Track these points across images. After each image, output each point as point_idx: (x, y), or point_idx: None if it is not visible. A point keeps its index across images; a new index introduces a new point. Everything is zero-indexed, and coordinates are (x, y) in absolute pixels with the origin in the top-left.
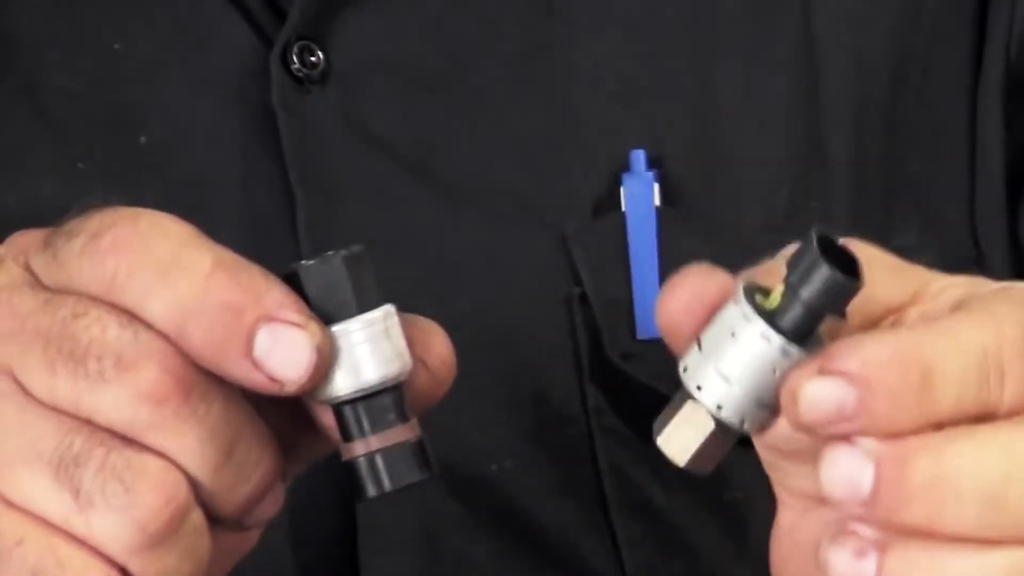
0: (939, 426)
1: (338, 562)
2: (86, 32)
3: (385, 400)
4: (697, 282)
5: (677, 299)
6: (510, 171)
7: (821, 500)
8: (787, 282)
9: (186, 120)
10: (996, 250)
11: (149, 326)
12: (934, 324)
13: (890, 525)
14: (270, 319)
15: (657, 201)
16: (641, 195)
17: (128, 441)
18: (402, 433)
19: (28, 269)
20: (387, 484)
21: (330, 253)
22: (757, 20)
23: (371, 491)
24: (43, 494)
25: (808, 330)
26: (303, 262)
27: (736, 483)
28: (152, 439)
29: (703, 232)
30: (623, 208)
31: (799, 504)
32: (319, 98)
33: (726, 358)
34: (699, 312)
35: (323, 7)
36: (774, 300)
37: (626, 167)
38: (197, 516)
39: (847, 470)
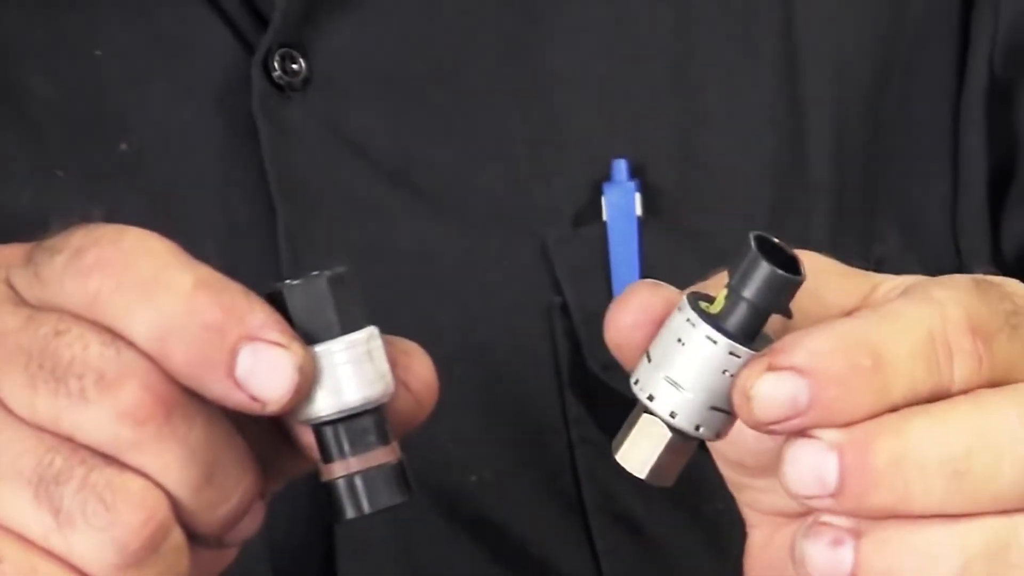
0: (894, 410)
1: (317, 572)
2: (66, 38)
3: (366, 422)
4: (643, 296)
5: (624, 314)
6: (491, 180)
7: (791, 516)
8: (729, 285)
9: (167, 127)
10: (977, 259)
11: (132, 344)
12: (878, 310)
13: (861, 512)
14: (252, 339)
15: (639, 211)
16: (622, 204)
17: (109, 460)
18: (382, 455)
19: (9, 284)
20: (366, 506)
21: (315, 273)
22: (738, 29)
23: (349, 513)
24: (23, 512)
25: (754, 330)
26: (287, 282)
27: (716, 494)
28: (133, 458)
29: (684, 242)
30: (604, 217)
31: (769, 522)
32: (300, 105)
33: (675, 365)
34: (647, 326)
35: (305, 14)
36: (718, 304)
37: (607, 176)
38: (177, 535)
39: (810, 465)
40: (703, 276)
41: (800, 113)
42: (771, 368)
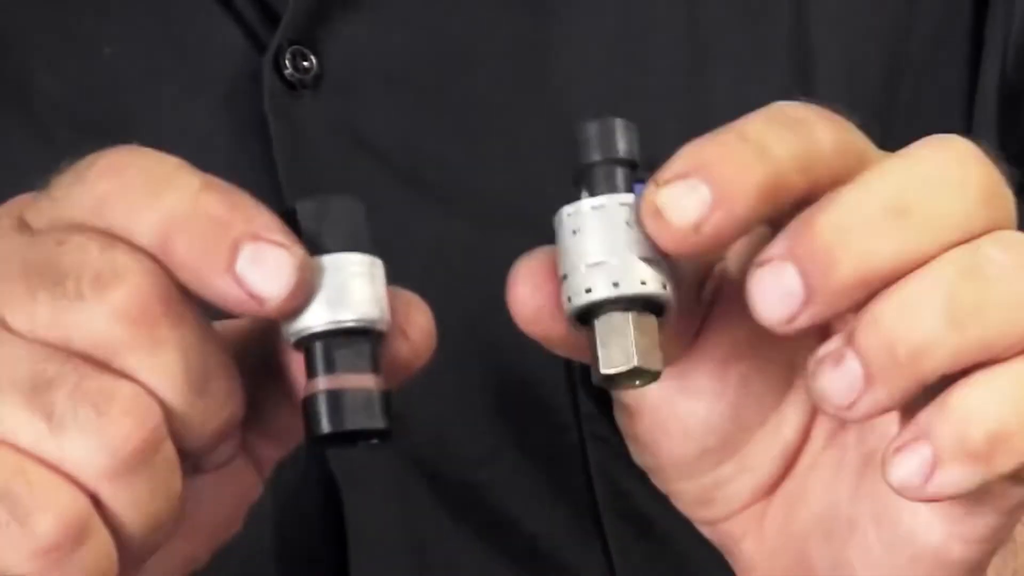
0: (785, 183)
1: (327, 568)
2: (75, 37)
3: (359, 344)
4: (524, 264)
5: (520, 288)
6: (502, 177)
7: (769, 490)
8: (580, 175)
9: (177, 125)
10: None
11: (132, 246)
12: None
13: (839, 297)
14: (255, 237)
15: None
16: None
17: (103, 367)
18: (370, 382)
19: (21, 220)
20: (345, 422)
21: (329, 194)
22: (750, 29)
23: (326, 427)
24: (15, 419)
25: (622, 182)
26: (302, 199)
27: None
28: (126, 360)
29: None
30: None
31: (752, 518)
32: (311, 103)
33: (586, 251)
34: (545, 283)
35: (316, 12)
36: (584, 193)
37: None
38: (169, 448)
39: (771, 284)
40: None
41: None
42: (658, 183)
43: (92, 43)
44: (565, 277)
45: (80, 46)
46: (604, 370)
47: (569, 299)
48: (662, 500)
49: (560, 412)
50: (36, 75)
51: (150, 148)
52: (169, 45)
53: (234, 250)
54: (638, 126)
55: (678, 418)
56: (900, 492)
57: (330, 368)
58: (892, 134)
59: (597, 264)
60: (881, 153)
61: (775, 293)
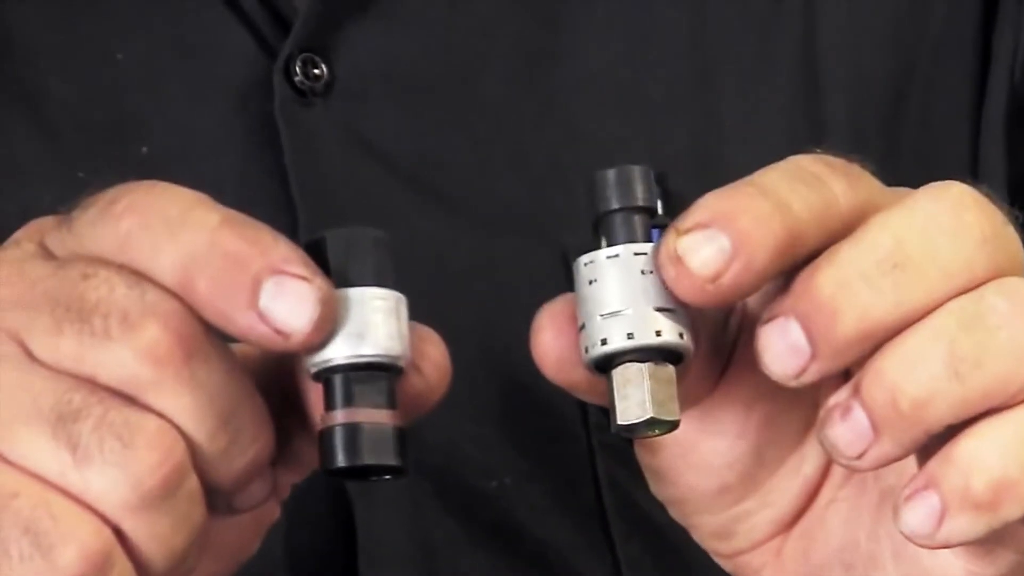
0: (801, 237)
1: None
2: (86, 42)
3: (378, 380)
4: (548, 309)
5: (542, 334)
6: (511, 184)
7: (789, 523)
8: (597, 223)
9: (188, 130)
10: None
11: (157, 286)
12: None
13: (841, 352)
14: (276, 271)
15: None
16: None
17: (128, 400)
18: (387, 417)
19: (42, 246)
20: (360, 457)
21: (361, 227)
22: (759, 38)
23: (341, 460)
24: (40, 450)
25: (638, 229)
26: (332, 229)
27: None
28: (152, 398)
29: None
30: None
31: (771, 551)
32: (322, 111)
33: (602, 302)
34: (565, 328)
35: (327, 19)
36: (604, 246)
37: None
38: (193, 482)
39: (778, 338)
40: None
41: (819, 124)
42: (679, 231)
43: (103, 48)
44: (583, 327)
45: (90, 50)
46: (620, 421)
47: (586, 349)
48: None
49: (569, 421)
50: (46, 78)
51: (172, 184)
52: (180, 50)
53: (256, 286)
54: (645, 132)
55: (700, 455)
56: (911, 539)
57: (348, 402)
58: (899, 150)
59: (612, 314)
60: (891, 199)
61: (782, 349)
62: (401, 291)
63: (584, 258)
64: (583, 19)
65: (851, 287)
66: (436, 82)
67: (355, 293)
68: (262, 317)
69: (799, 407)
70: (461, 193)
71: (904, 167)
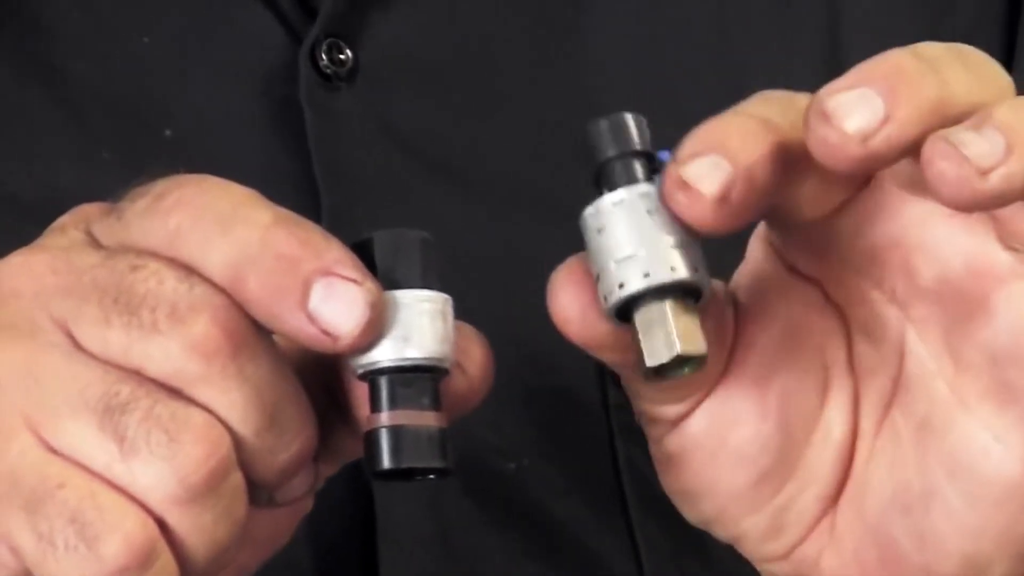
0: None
1: (356, 557)
2: (112, 24)
3: (423, 381)
4: (564, 270)
5: (561, 295)
6: (533, 167)
7: (833, 509)
8: (598, 175)
9: (212, 113)
10: None
11: (206, 281)
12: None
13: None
14: (327, 272)
15: None
16: None
17: (175, 393)
18: (431, 419)
19: (89, 234)
20: (405, 459)
21: (406, 229)
22: (783, 25)
23: (387, 463)
24: (87, 441)
25: (641, 173)
26: (380, 231)
27: None
28: (199, 392)
29: None
30: None
31: (825, 536)
32: (347, 95)
33: (614, 248)
34: (583, 287)
35: (353, 4)
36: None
37: None
38: (237, 477)
39: (856, 103)
40: (743, 258)
41: None
42: (678, 162)
43: (128, 30)
44: (598, 278)
45: (116, 33)
46: (650, 362)
47: (605, 298)
48: None
49: (589, 402)
50: (71, 61)
51: (223, 179)
52: (205, 34)
53: (306, 287)
54: (668, 115)
55: (728, 449)
56: (953, 201)
57: (393, 404)
58: None
59: (626, 258)
60: None
61: (858, 107)
62: None
63: (589, 209)
64: (606, 4)
65: (930, 62)
66: (460, 67)
67: (402, 295)
68: (311, 318)
69: (811, 374)
70: (482, 178)
71: None
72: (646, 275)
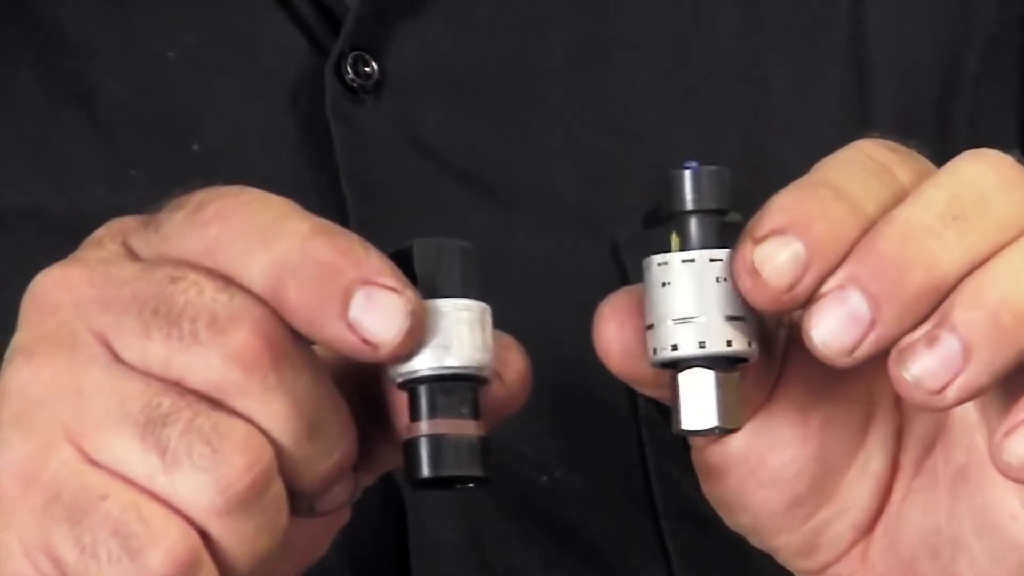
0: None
1: (389, 568)
2: (138, 39)
3: (463, 390)
4: (613, 300)
5: (606, 324)
6: (562, 179)
7: (868, 528)
8: (669, 219)
9: (239, 127)
10: None
11: (246, 291)
12: (818, 165)
13: (907, 306)
14: (367, 282)
15: None
16: None
17: (216, 405)
18: (470, 428)
19: (126, 246)
20: (445, 468)
21: (446, 238)
22: (807, 31)
23: (427, 471)
24: (129, 453)
25: (715, 233)
26: (419, 239)
27: None
28: (240, 403)
29: None
30: None
31: (856, 561)
32: (373, 108)
33: (674, 306)
34: (630, 319)
35: (378, 18)
36: (675, 243)
37: None
38: (278, 487)
39: (835, 310)
40: None
41: (868, 117)
42: (754, 240)
43: (155, 45)
44: (651, 326)
45: (143, 48)
46: (684, 426)
47: (655, 351)
48: None
49: (619, 414)
50: (99, 76)
51: (261, 190)
52: (231, 48)
53: (346, 296)
54: (695, 126)
55: (766, 470)
56: (1013, 474)
57: (433, 413)
58: (948, 146)
59: (685, 320)
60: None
61: (840, 318)
62: None
63: (657, 258)
64: (632, 12)
65: (917, 240)
66: (487, 79)
67: (442, 304)
68: (351, 327)
69: (856, 404)
70: (512, 189)
71: None
72: (701, 344)
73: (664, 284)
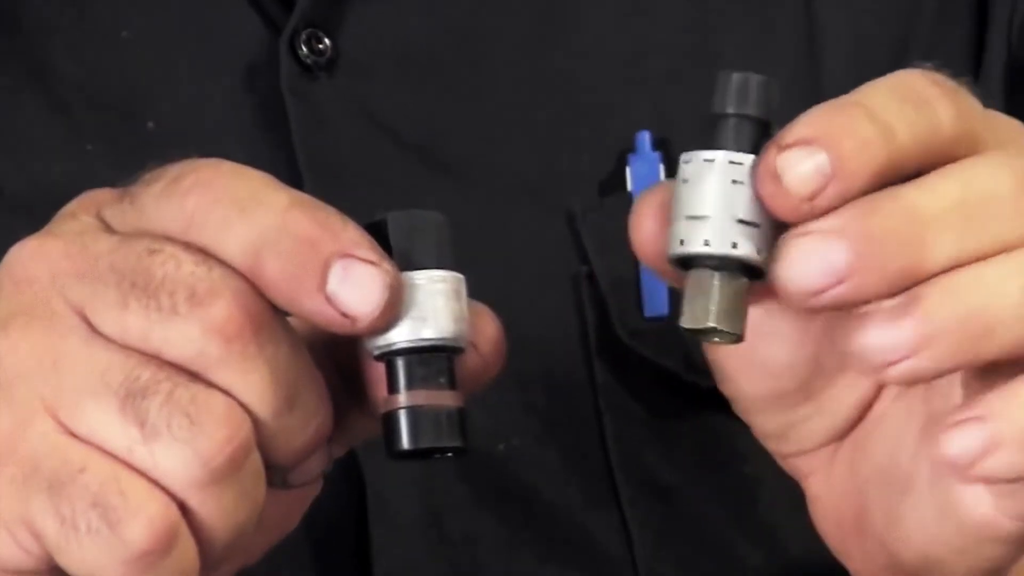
0: (902, 164)
1: (350, 540)
2: (93, 20)
3: (439, 361)
4: (660, 196)
5: (646, 221)
6: (517, 153)
7: (841, 435)
8: (712, 115)
9: (194, 106)
10: None
11: (224, 264)
12: (858, 88)
13: (885, 277)
14: (345, 255)
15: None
16: (647, 175)
17: (194, 377)
18: (448, 398)
19: (101, 219)
20: (425, 440)
21: (419, 210)
22: (759, 7)
23: (407, 444)
24: (108, 425)
25: (751, 141)
26: (393, 212)
27: (744, 460)
28: (219, 375)
29: None
30: (629, 188)
31: (822, 459)
32: (327, 85)
33: (690, 202)
34: (664, 219)
35: None
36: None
37: (631, 148)
38: (256, 459)
39: (816, 255)
40: None
41: (819, 89)
42: (780, 147)
43: (109, 26)
44: (670, 222)
45: (98, 29)
46: (683, 323)
47: (669, 245)
48: (679, 469)
49: (576, 383)
50: (55, 57)
51: (237, 164)
52: (186, 28)
53: (324, 269)
54: (648, 100)
55: (759, 358)
56: (945, 466)
57: (411, 384)
58: None
59: (695, 218)
60: (990, 135)
61: (812, 262)
62: None
63: (685, 155)
64: None
65: (917, 226)
66: (441, 56)
67: (417, 276)
68: (330, 300)
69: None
70: (468, 164)
71: None
72: (706, 242)
73: (685, 180)
